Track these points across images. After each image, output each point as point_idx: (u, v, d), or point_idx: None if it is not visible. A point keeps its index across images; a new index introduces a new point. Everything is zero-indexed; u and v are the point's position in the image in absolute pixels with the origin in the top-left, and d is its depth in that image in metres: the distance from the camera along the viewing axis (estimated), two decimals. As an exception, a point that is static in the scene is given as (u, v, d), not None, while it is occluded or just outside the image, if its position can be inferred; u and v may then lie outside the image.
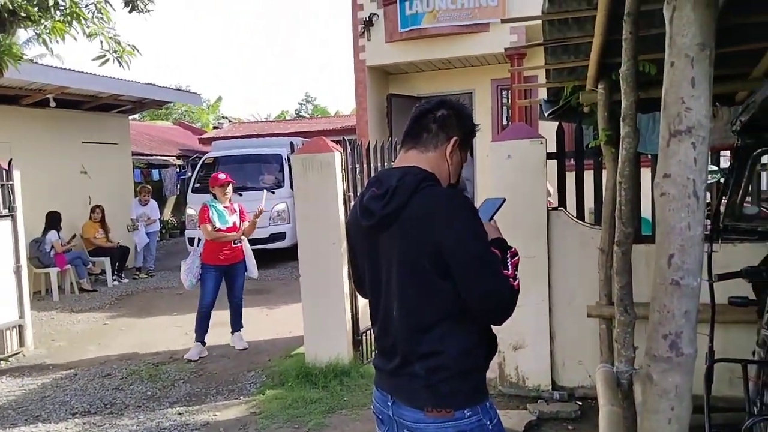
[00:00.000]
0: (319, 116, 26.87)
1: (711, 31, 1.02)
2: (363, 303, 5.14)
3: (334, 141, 5.06)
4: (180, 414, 4.38)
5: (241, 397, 4.64)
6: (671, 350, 1.06)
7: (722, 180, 3.29)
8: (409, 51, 10.52)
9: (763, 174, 4.21)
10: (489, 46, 10.11)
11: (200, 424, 4.19)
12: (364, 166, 5.08)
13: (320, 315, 4.83)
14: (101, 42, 6.60)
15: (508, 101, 11.28)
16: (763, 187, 4.85)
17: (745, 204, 3.12)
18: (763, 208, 4.48)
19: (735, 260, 3.30)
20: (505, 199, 1.93)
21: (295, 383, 4.65)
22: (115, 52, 6.67)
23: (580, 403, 4.08)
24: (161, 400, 4.68)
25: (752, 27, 2.89)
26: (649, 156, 4.04)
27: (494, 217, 1.88)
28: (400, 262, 1.71)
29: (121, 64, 6.79)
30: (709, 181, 3.39)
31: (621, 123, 2.43)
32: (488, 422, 1.73)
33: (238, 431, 4.05)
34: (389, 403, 1.81)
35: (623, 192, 2.54)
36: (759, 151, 2.85)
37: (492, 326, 1.79)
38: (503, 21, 3.53)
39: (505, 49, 9.51)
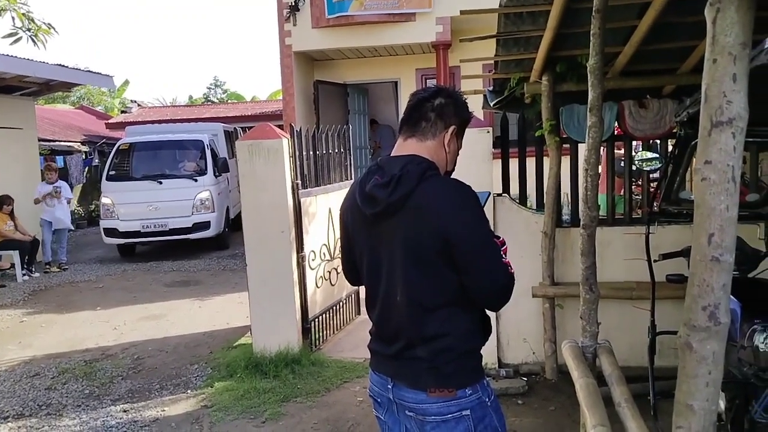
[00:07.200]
0: (235, 101, 26.11)
1: (750, 31, 1.13)
2: (311, 291, 5.13)
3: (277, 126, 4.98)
4: (125, 411, 4.19)
5: (189, 391, 4.49)
6: (710, 320, 1.17)
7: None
8: (335, 38, 10.44)
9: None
10: (415, 36, 10.23)
11: (149, 420, 4.03)
12: (310, 153, 5.03)
13: (268, 304, 4.76)
14: (12, 18, 6.13)
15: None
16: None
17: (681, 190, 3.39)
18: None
19: (665, 241, 3.59)
20: (490, 193, 2.01)
21: (244, 374, 4.56)
22: (29, 29, 6.22)
23: (526, 379, 4.28)
24: (102, 398, 4.45)
25: (682, 26, 3.15)
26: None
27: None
28: (405, 248, 1.74)
29: (35, 43, 6.31)
30: (650, 168, 3.66)
31: (588, 113, 2.57)
32: (487, 399, 1.81)
33: (191, 425, 3.93)
34: (389, 386, 1.85)
35: (589, 178, 2.70)
36: (696, 140, 3.10)
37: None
38: (462, 13, 3.58)
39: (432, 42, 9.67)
